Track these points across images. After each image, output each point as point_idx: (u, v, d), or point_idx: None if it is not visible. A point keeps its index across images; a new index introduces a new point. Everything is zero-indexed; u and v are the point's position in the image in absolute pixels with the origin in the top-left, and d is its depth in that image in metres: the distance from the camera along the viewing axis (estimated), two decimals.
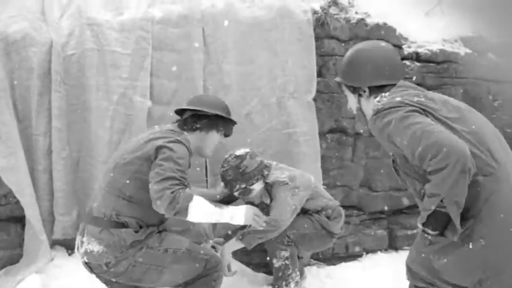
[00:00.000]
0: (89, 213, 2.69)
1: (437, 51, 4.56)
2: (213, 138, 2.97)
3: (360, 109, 2.37)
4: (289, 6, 4.11)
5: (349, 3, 4.36)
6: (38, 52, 3.63)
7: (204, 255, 2.75)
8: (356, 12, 4.34)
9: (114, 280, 2.69)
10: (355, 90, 2.34)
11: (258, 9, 4.08)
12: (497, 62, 4.67)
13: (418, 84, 4.44)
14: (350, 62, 2.35)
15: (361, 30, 4.33)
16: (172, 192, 2.44)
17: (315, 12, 4.20)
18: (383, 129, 2.06)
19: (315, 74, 4.14)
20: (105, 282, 2.76)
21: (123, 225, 2.59)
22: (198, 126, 2.90)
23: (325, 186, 3.95)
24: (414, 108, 2.03)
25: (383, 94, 2.21)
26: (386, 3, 4.51)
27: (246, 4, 4.08)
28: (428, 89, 4.53)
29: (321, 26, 4.21)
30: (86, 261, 2.66)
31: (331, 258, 4.18)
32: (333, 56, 4.26)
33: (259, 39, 4.05)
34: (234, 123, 3.09)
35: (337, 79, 2.44)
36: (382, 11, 4.44)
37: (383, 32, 4.39)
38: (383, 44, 2.39)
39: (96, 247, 2.58)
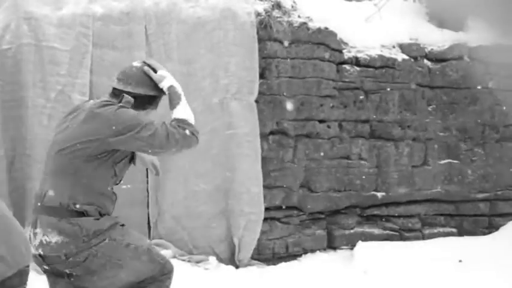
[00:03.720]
0: (39, 205, 2.51)
1: (376, 56, 4.69)
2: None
3: None
4: (233, 7, 4.13)
5: (292, 6, 4.43)
6: None
7: (160, 259, 2.73)
8: (299, 16, 4.41)
9: (67, 272, 2.59)
10: None
11: (202, 10, 4.08)
12: (432, 68, 4.87)
13: (356, 89, 4.64)
14: None
15: (303, 34, 4.40)
16: (167, 130, 2.37)
17: (258, 15, 4.24)
18: None
19: (258, 76, 4.18)
20: (51, 274, 2.58)
21: (83, 214, 2.47)
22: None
23: None
24: None
25: None
26: (328, 8, 4.61)
27: (189, 4, 4.08)
28: (367, 93, 4.73)
29: (264, 28, 4.25)
30: (41, 253, 2.49)
31: (271, 259, 4.23)
32: (275, 58, 4.31)
33: (203, 40, 4.05)
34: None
35: None
36: (324, 16, 4.52)
37: (324, 36, 4.48)
38: None
39: (54, 238, 2.45)
